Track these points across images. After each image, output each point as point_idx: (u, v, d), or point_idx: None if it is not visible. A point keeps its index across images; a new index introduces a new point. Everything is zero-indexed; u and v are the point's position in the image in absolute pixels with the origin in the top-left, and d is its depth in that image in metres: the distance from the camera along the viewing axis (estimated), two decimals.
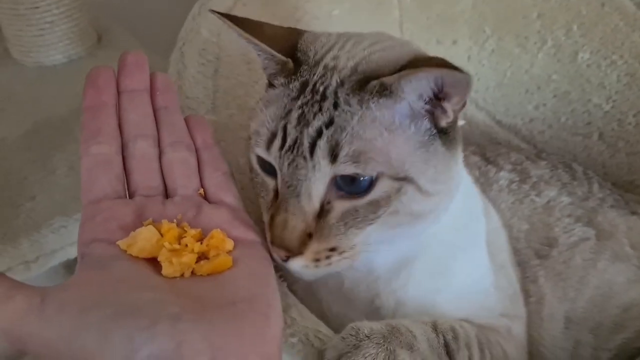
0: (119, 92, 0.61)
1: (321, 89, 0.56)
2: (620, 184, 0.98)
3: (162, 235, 0.53)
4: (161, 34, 0.93)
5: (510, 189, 0.87)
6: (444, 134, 0.58)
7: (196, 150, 0.63)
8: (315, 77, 0.58)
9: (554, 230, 0.83)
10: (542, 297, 0.80)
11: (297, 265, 0.56)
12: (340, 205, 0.56)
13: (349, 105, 0.55)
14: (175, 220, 0.55)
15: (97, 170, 0.57)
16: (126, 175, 0.59)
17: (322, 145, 0.54)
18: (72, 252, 0.91)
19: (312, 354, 0.56)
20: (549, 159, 0.94)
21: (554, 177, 0.89)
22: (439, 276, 0.67)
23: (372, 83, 0.55)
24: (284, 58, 0.60)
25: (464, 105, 0.58)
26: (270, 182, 0.59)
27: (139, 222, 0.54)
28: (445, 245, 0.66)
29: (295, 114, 0.56)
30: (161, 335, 0.43)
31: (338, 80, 0.56)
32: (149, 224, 0.54)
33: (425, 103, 0.56)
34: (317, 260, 0.56)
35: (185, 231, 0.54)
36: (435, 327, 0.63)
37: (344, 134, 0.54)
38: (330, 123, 0.55)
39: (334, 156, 0.54)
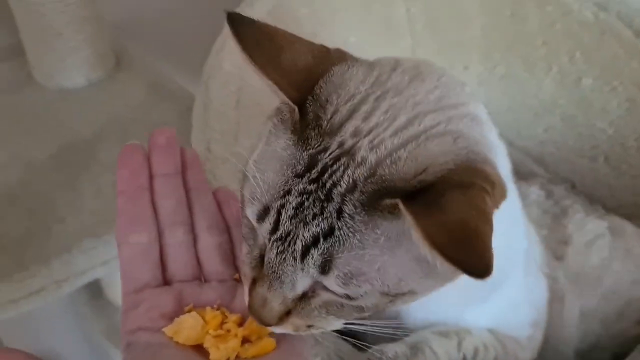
0: (151, 175, 0.60)
1: (329, 184, 0.47)
2: (625, 205, 1.02)
3: (205, 322, 0.55)
4: (180, 54, 0.97)
5: (538, 203, 0.92)
6: None
7: (227, 229, 0.63)
8: (326, 158, 0.48)
9: (568, 227, 0.88)
10: (563, 297, 0.83)
11: (276, 330, 0.53)
12: (325, 296, 0.51)
13: (354, 221, 0.46)
14: (214, 306, 0.57)
15: (137, 260, 0.57)
16: (163, 264, 0.59)
17: (315, 256, 0.47)
18: (100, 272, 0.95)
19: None
20: (564, 185, 1.01)
21: (569, 197, 0.96)
22: (475, 303, 0.68)
23: (386, 202, 0.46)
24: (291, 104, 0.50)
25: None
26: (261, 239, 0.52)
27: (179, 308, 0.56)
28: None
29: (293, 201, 0.48)
30: None
31: (350, 181, 0.47)
32: (190, 310, 0.56)
33: None
34: (297, 330, 0.53)
35: (226, 316, 0.57)
36: (459, 346, 0.67)
37: (340, 252, 0.47)
38: (329, 233, 0.47)
39: (324, 270, 0.48)
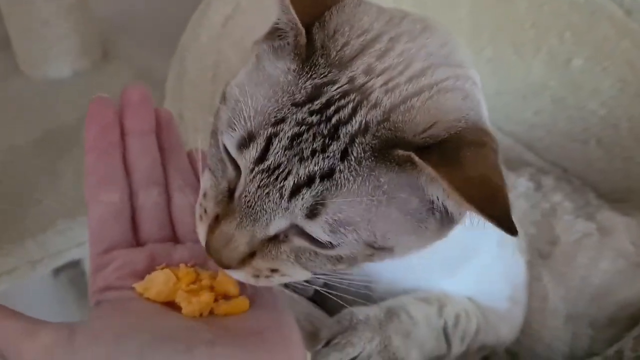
0: (123, 133, 0.57)
1: (334, 119, 0.44)
2: (618, 190, 1.00)
3: (178, 279, 0.53)
4: (166, 45, 0.96)
5: (526, 195, 0.89)
6: (447, 214, 0.47)
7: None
8: (333, 91, 0.45)
9: (556, 229, 0.86)
10: (546, 296, 0.82)
11: (235, 276, 0.50)
12: (298, 242, 0.48)
13: (359, 165, 0.44)
14: (188, 265, 0.55)
15: (107, 220, 0.54)
16: (135, 225, 0.57)
17: (306, 197, 0.44)
18: (76, 254, 0.93)
19: (305, 337, 0.57)
20: (554, 171, 0.97)
21: (558, 188, 0.93)
22: (446, 271, 0.67)
23: (398, 153, 0.43)
24: (299, 25, 0.46)
25: None
26: (230, 171, 0.49)
27: (151, 268, 0.54)
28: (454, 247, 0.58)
29: (289, 131, 0.44)
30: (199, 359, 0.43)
31: (363, 122, 0.44)
32: (162, 269, 0.54)
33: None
34: (257, 276, 0.49)
35: (199, 274, 0.55)
36: (440, 311, 0.64)
37: (335, 197, 0.44)
38: (328, 175, 0.44)
39: (312, 215, 0.44)
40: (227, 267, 0.48)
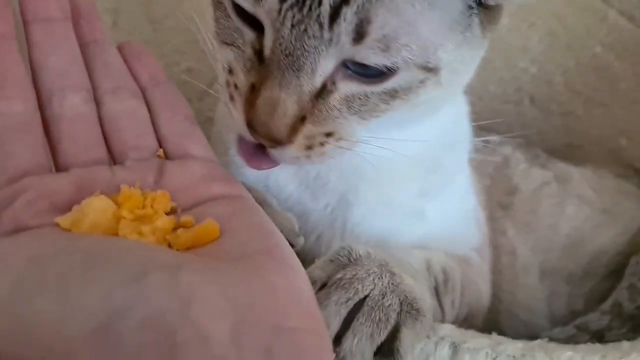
0: (25, 22, 0.44)
1: None
2: (558, 149, 0.94)
3: (118, 205, 0.39)
4: None
5: (476, 149, 0.82)
6: (485, 11, 0.45)
7: (142, 92, 0.48)
8: None
9: (513, 179, 0.80)
10: (514, 250, 0.75)
11: (284, 156, 0.44)
12: (346, 87, 0.43)
13: None
14: (132, 187, 0.41)
15: (10, 138, 0.40)
16: (52, 144, 0.43)
17: (349, 16, 0.39)
18: None
19: None
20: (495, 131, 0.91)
21: (506, 142, 0.87)
22: (428, 174, 0.58)
23: None
24: None
25: None
26: (249, 34, 0.43)
27: (79, 198, 0.39)
28: (434, 145, 0.55)
29: None
30: (158, 290, 0.29)
31: None
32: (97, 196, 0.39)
33: None
34: (310, 147, 0.44)
35: (147, 197, 0.41)
36: (429, 267, 0.55)
37: (378, 8, 0.39)
38: None
39: (359, 36, 0.40)
40: (279, 141, 0.42)
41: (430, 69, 0.43)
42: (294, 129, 0.42)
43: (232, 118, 0.44)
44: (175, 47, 0.69)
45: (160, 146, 0.46)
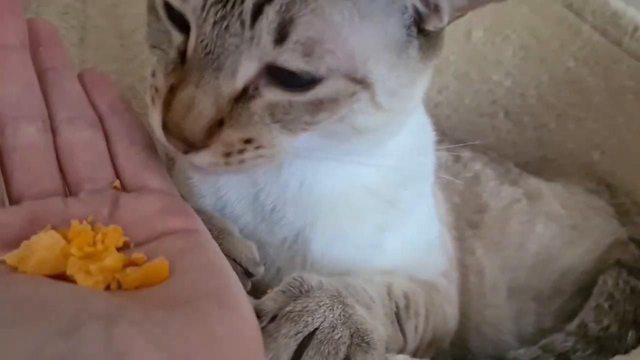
0: None
1: None
2: (532, 162, 0.94)
3: (67, 241, 0.38)
4: None
5: (447, 166, 0.83)
6: (425, 37, 0.45)
7: (101, 121, 0.47)
8: None
9: (483, 196, 0.80)
10: (482, 269, 0.75)
11: (202, 161, 0.42)
12: (270, 94, 0.42)
13: None
14: (84, 222, 0.40)
15: None
16: (5, 176, 0.42)
17: (271, 14, 0.38)
18: None
19: None
20: (468, 146, 0.91)
21: (477, 158, 0.87)
22: (385, 208, 0.57)
23: None
24: None
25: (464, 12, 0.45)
26: (176, 36, 0.43)
27: (30, 233, 0.38)
28: (391, 177, 0.55)
29: None
30: (90, 344, 0.28)
31: None
32: (47, 231, 0.39)
33: None
34: (228, 154, 0.42)
35: (99, 232, 0.40)
36: (389, 292, 0.54)
37: (303, 9, 0.39)
38: None
39: (281, 36, 0.39)
40: (193, 144, 0.41)
41: (359, 81, 0.42)
42: (210, 133, 0.41)
43: (151, 122, 0.43)
44: (143, 62, 0.69)
45: (118, 177, 0.46)
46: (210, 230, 0.45)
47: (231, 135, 0.42)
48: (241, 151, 0.42)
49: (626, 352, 0.57)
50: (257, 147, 0.43)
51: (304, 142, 0.44)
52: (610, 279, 0.71)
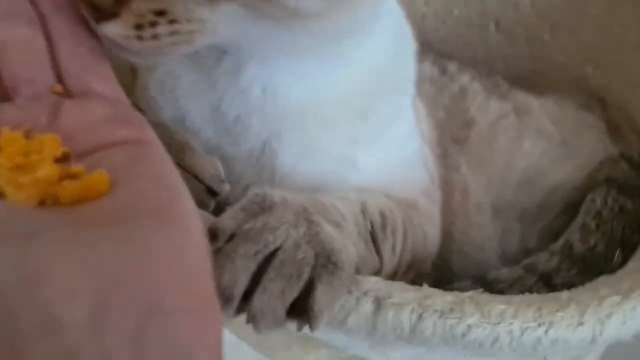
0: None
1: None
2: (523, 75, 0.89)
3: None
4: None
5: (432, 80, 0.79)
6: None
7: (41, 19, 0.41)
8: None
9: (470, 111, 0.75)
10: (467, 187, 0.71)
11: (112, 32, 0.39)
12: None
13: None
14: (17, 131, 0.35)
15: None
16: None
17: None
18: None
19: None
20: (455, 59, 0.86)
21: (465, 70, 0.83)
22: (358, 120, 0.52)
23: None
24: None
25: None
26: None
27: None
28: (365, 87, 0.51)
29: None
30: (2, 266, 0.25)
31: None
32: None
33: None
34: (140, 27, 0.39)
35: (35, 141, 0.36)
36: (364, 210, 0.50)
37: None
38: None
39: None
40: (103, 10, 0.38)
41: None
42: (119, 2, 0.38)
43: None
44: None
45: (60, 81, 0.41)
46: (169, 145, 0.41)
47: (141, 5, 0.39)
48: (153, 24, 0.39)
49: (612, 272, 0.54)
50: (171, 22, 0.39)
51: (238, 26, 0.40)
52: (599, 197, 0.68)
